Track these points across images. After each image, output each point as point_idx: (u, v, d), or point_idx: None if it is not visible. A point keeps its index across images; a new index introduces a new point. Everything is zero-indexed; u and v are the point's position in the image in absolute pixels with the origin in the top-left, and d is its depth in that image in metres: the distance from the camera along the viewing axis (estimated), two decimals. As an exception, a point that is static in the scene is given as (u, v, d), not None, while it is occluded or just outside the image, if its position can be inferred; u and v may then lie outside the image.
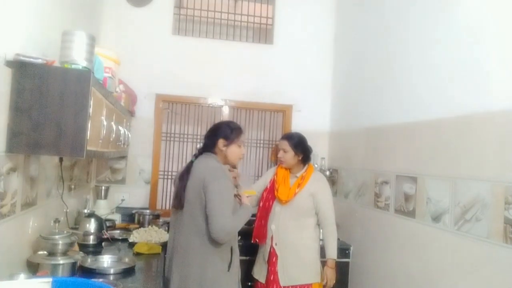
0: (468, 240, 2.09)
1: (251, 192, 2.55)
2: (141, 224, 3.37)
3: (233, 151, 2.31)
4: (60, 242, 1.92)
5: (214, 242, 2.12)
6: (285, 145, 2.80)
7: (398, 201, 2.76)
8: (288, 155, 2.79)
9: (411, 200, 2.61)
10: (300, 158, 2.82)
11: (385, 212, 2.92)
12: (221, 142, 2.28)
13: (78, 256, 2.04)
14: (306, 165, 2.86)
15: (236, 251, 2.29)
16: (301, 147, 2.82)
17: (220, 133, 2.31)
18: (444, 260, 2.26)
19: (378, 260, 2.99)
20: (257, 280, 2.82)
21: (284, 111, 4.08)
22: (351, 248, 3.39)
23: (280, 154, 2.82)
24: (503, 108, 1.92)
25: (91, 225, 2.65)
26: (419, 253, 2.49)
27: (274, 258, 2.74)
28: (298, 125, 3.90)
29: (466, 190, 2.13)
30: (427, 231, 2.42)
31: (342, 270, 3.29)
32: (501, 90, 1.96)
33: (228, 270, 2.19)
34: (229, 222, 2.08)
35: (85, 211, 2.96)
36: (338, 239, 3.43)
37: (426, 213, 2.44)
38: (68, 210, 2.57)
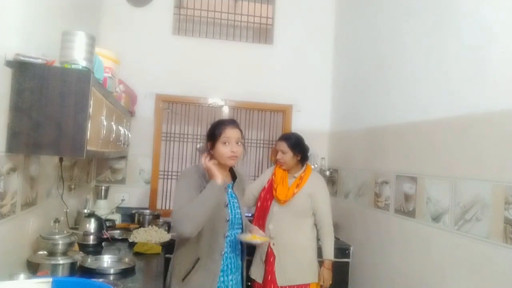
0: (468, 240, 2.09)
1: (264, 238, 2.16)
2: (141, 224, 3.37)
3: (219, 150, 2.03)
4: (60, 242, 1.92)
5: (179, 244, 2.09)
6: (283, 146, 2.80)
7: (398, 201, 2.76)
8: (287, 156, 2.79)
9: (411, 200, 2.61)
10: (298, 158, 2.82)
11: (385, 212, 2.92)
12: (209, 145, 2.10)
13: (78, 256, 2.03)
14: (304, 166, 2.86)
15: (205, 265, 1.99)
16: (300, 147, 2.82)
17: (206, 135, 2.15)
18: (444, 260, 2.26)
19: (378, 260, 2.99)
20: (254, 280, 2.82)
21: (284, 111, 4.08)
22: (351, 248, 3.39)
23: (279, 155, 2.81)
24: (503, 108, 1.92)
25: (91, 225, 2.65)
26: (419, 253, 2.49)
27: (272, 258, 2.73)
28: (298, 125, 3.90)
29: (466, 190, 2.13)
30: (427, 231, 2.41)
31: (342, 270, 3.29)
32: (501, 90, 1.96)
33: (183, 280, 1.99)
34: (178, 210, 1.89)
35: (85, 211, 2.97)
36: (338, 239, 3.45)
37: (426, 213, 2.44)
38: (68, 210, 2.57)
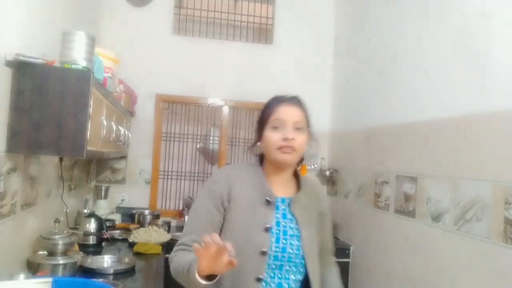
0: (468, 240, 2.09)
1: None
2: (141, 224, 3.38)
3: (266, 139, 1.34)
4: (60, 242, 1.92)
5: None
6: None
7: (398, 201, 2.76)
8: None
9: (411, 200, 2.61)
10: None
11: (385, 212, 2.92)
12: (255, 137, 1.43)
13: (78, 256, 2.04)
14: (299, 167, 2.86)
15: None
16: None
17: (256, 123, 1.44)
18: (444, 260, 2.26)
19: (378, 260, 2.99)
20: None
21: (284, 111, 4.07)
22: (351, 248, 3.39)
23: None
24: (503, 108, 1.92)
25: (91, 225, 2.65)
26: (419, 253, 2.49)
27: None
28: (298, 125, 3.89)
29: (466, 190, 2.13)
30: (427, 231, 2.41)
31: (342, 270, 3.27)
32: (501, 90, 1.96)
33: None
34: (176, 248, 1.32)
35: (85, 211, 2.97)
36: (338, 239, 3.45)
37: (426, 213, 2.44)
38: (68, 210, 2.57)
